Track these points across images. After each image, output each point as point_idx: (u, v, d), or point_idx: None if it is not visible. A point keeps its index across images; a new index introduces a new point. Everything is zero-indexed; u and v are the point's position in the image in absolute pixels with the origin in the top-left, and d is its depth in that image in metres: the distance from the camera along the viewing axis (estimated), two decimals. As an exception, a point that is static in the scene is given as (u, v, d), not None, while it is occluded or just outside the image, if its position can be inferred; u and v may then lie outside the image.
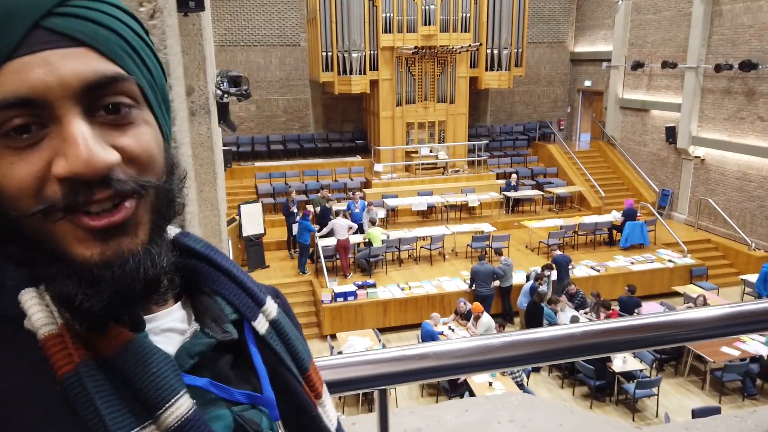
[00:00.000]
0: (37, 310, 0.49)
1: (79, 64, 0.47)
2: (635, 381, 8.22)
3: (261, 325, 0.64)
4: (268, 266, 12.53)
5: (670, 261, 12.55)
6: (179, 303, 0.60)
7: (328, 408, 0.68)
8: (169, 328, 0.58)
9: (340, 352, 7.75)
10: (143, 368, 0.50)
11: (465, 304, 9.89)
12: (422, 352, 1.03)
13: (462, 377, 7.98)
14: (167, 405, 0.50)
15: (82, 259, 0.48)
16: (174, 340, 0.57)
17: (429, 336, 8.97)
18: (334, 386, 1.02)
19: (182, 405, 0.51)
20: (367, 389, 1.01)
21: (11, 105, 0.45)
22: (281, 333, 0.66)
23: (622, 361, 8.45)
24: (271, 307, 0.67)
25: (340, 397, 8.44)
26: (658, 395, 8.24)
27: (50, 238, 0.48)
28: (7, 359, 0.49)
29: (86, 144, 0.46)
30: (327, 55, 15.84)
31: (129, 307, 0.51)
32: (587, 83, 20.57)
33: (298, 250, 12.40)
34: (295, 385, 0.64)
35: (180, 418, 0.50)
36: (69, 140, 0.46)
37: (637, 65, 17.41)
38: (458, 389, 8.29)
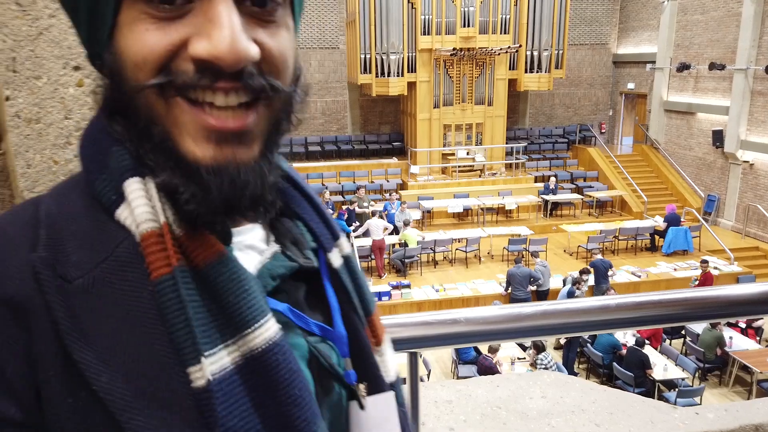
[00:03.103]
0: (142, 203, 0.46)
1: None
2: (677, 389, 7.96)
3: (336, 258, 0.61)
4: (304, 265, 12.67)
5: (715, 268, 12.12)
6: (260, 220, 0.56)
7: (387, 360, 0.64)
8: (250, 245, 0.55)
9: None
10: (236, 284, 0.47)
11: (500, 306, 9.78)
12: (454, 317, 1.04)
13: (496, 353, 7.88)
14: (256, 325, 0.47)
15: (192, 158, 0.46)
16: (254, 259, 0.54)
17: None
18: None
19: (270, 328, 0.48)
20: (398, 351, 1.02)
21: None
22: (352, 270, 0.63)
23: (663, 369, 8.21)
24: (345, 242, 0.64)
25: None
26: (700, 405, 7.97)
27: (163, 124, 0.46)
28: (94, 249, 0.46)
29: (233, 29, 0.43)
30: (365, 58, 15.95)
31: (231, 216, 0.49)
32: (630, 86, 20.11)
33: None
34: (358, 325, 0.61)
35: (268, 341, 0.47)
36: (216, 22, 0.43)
37: (683, 67, 16.93)
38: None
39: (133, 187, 0.47)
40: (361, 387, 0.59)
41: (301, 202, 0.62)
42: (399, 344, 1.02)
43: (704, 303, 1.12)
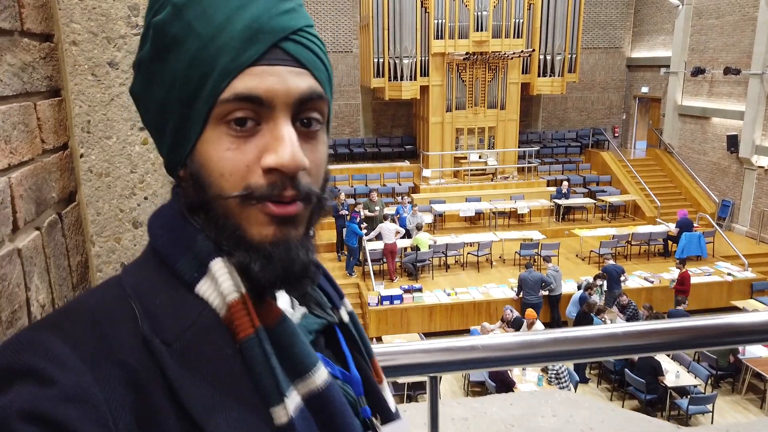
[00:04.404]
0: (227, 278, 0.57)
1: (299, 80, 0.58)
2: (689, 396, 7.96)
3: (344, 314, 0.74)
4: (316, 267, 12.77)
5: (729, 274, 12.07)
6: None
7: (388, 394, 0.78)
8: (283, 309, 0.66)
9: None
10: (296, 338, 0.59)
11: (511, 311, 9.82)
12: (472, 344, 1.12)
13: (509, 369, 7.94)
14: (314, 369, 0.59)
15: (259, 238, 0.58)
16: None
17: (475, 342, 8.97)
18: (391, 371, 1.12)
19: (323, 371, 0.60)
20: (420, 375, 1.11)
21: (244, 99, 0.55)
22: (356, 323, 0.76)
23: (675, 376, 8.21)
24: (347, 301, 0.78)
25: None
26: (712, 412, 7.96)
27: (235, 219, 0.57)
28: (180, 317, 0.56)
29: (293, 144, 0.56)
30: (378, 61, 16.06)
31: (287, 285, 0.61)
32: (644, 90, 20.04)
33: (346, 252, 12.61)
34: (366, 369, 0.74)
35: (325, 381, 0.60)
36: (281, 140, 0.56)
37: (698, 71, 16.85)
38: (504, 392, 8.24)
39: (219, 265, 0.58)
40: (375, 421, 0.71)
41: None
42: (421, 368, 1.11)
43: (708, 331, 1.19)
